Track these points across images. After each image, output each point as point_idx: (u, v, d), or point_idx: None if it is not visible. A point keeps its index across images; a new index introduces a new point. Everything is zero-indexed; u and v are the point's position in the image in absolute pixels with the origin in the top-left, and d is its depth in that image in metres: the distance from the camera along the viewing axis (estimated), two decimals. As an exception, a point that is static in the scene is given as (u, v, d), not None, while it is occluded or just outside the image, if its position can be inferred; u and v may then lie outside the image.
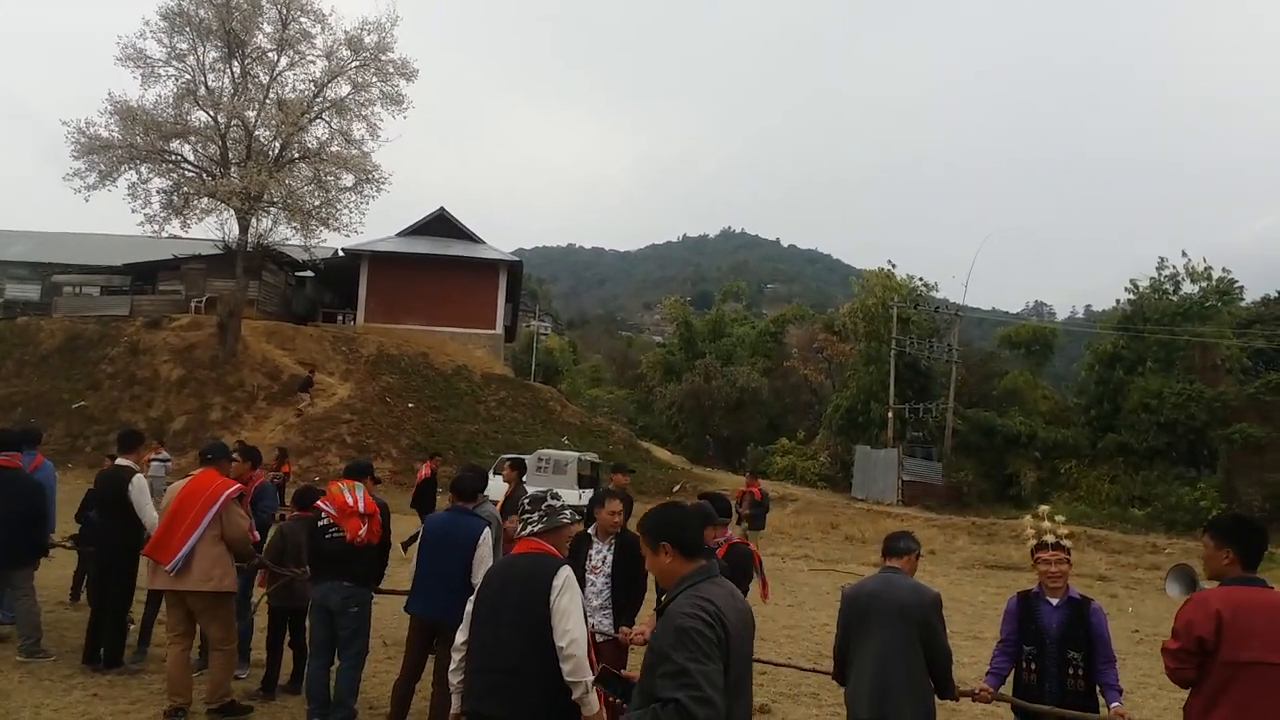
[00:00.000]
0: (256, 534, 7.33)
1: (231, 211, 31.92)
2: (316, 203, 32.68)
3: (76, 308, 37.55)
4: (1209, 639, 3.68)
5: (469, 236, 42.42)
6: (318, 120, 33.46)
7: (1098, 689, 4.69)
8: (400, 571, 7.26)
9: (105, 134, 31.00)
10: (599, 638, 5.40)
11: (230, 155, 32.15)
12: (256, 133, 32.46)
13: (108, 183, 31.32)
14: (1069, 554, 4.94)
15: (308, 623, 6.69)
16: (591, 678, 3.60)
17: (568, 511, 4.09)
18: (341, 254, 40.52)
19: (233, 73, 32.62)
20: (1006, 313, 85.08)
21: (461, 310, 39.98)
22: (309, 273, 42.45)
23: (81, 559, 9.44)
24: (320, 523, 6.40)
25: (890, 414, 35.52)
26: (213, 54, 32.39)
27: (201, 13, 31.52)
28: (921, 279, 41.60)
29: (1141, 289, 36.73)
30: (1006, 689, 5.00)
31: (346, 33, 33.10)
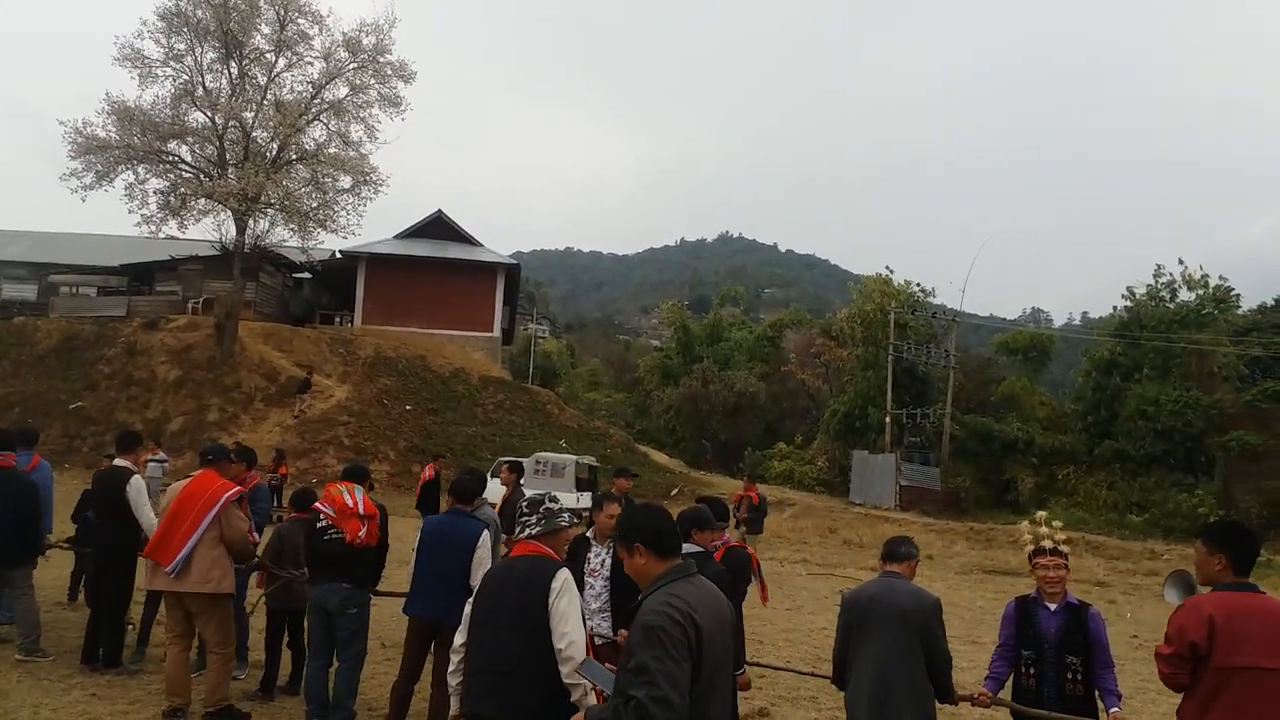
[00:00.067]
0: (256, 535, 7.33)
1: (229, 212, 31.89)
2: (314, 204, 32.65)
3: (73, 308, 37.51)
4: (1202, 644, 3.70)
5: (467, 239, 42.44)
6: (315, 122, 33.43)
7: (1096, 694, 4.70)
8: (399, 573, 7.26)
9: (102, 134, 30.96)
10: (598, 640, 5.40)
11: (228, 156, 32.13)
12: (254, 134, 32.45)
13: (105, 183, 31.29)
14: (1067, 559, 4.95)
15: (306, 624, 6.69)
16: (590, 682, 3.61)
17: (566, 514, 4.09)
18: (339, 256, 40.50)
19: (230, 74, 32.61)
20: (1004, 319, 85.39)
21: (459, 313, 39.98)
22: (306, 274, 42.44)
23: (79, 559, 9.44)
24: (319, 524, 6.40)
25: (888, 419, 35.56)
26: (210, 55, 32.38)
27: (199, 13, 31.50)
28: (919, 284, 41.70)
29: (1138, 296, 36.82)
30: (1005, 694, 5.00)
31: (344, 34, 33.08)
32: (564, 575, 3.80)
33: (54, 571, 9.95)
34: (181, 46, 31.94)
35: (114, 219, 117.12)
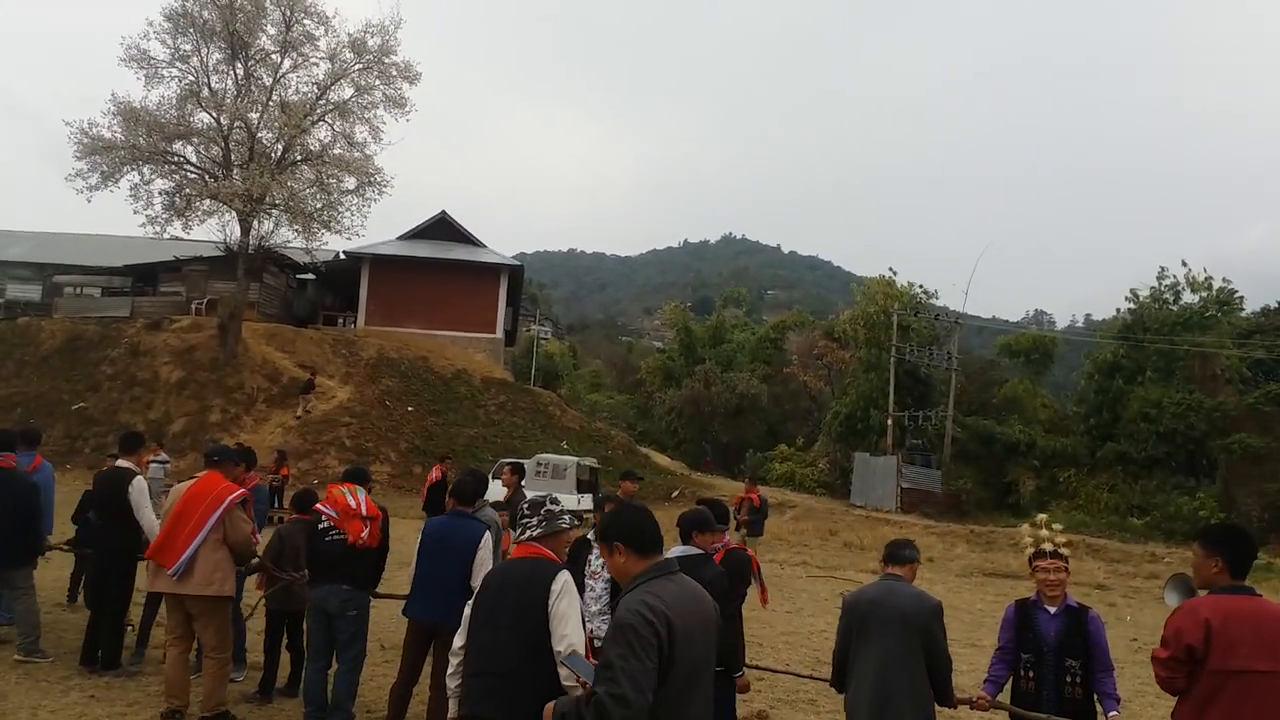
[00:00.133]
0: (258, 537, 7.34)
1: (233, 213, 31.93)
2: (318, 205, 32.69)
3: (77, 308, 37.56)
4: (1198, 647, 3.70)
5: (470, 240, 42.45)
6: (320, 123, 33.49)
7: (1095, 697, 4.70)
8: (400, 575, 7.26)
9: (108, 135, 31.03)
10: (597, 643, 5.39)
11: (233, 157, 32.18)
12: (259, 135, 32.50)
13: (110, 183, 31.35)
14: (1067, 562, 4.95)
15: (305, 625, 6.69)
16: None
17: (566, 516, 4.09)
18: (343, 257, 40.53)
19: (236, 74, 32.68)
20: (1006, 321, 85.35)
21: (462, 314, 40.00)
22: (310, 275, 42.47)
23: (78, 560, 9.45)
24: (321, 525, 6.40)
25: (890, 421, 35.53)
26: (216, 55, 32.46)
27: (205, 14, 31.57)
28: (921, 286, 41.65)
29: (1141, 298, 36.75)
30: (1005, 697, 5.00)
31: (350, 35, 33.16)
32: (564, 577, 3.80)
33: (54, 573, 9.96)
34: (187, 47, 32.06)
35: (118, 220, 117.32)
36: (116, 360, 33.18)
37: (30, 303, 39.80)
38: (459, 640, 3.97)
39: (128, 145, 31.11)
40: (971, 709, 5.11)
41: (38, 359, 33.73)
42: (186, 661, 6.41)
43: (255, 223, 32.33)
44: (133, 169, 31.58)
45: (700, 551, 5.42)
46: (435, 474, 19.44)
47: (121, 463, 7.59)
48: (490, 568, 5.46)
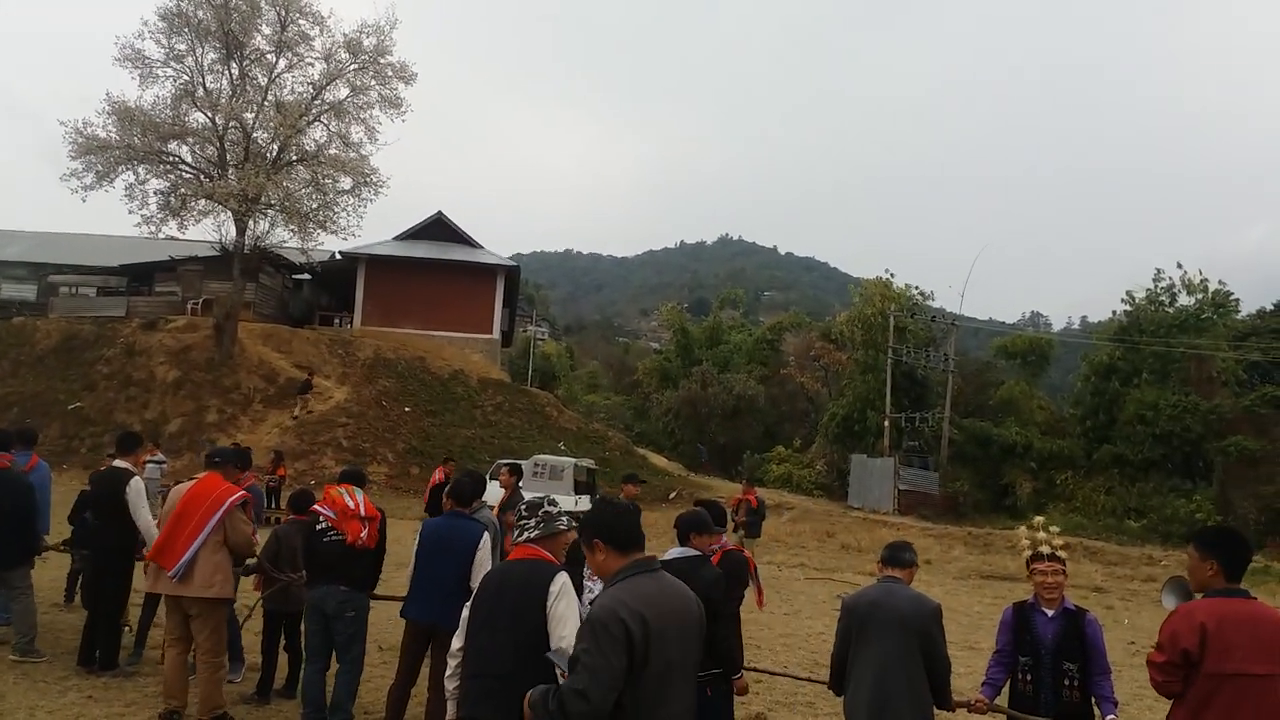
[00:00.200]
0: (257, 538, 7.33)
1: (229, 213, 31.92)
2: (314, 205, 32.68)
3: (73, 308, 37.52)
4: (1194, 651, 3.71)
5: (467, 241, 42.44)
6: (316, 123, 33.49)
7: (1093, 700, 4.70)
8: (398, 576, 7.25)
9: (103, 134, 31.02)
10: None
11: (228, 157, 32.16)
12: (254, 135, 32.49)
13: (105, 183, 31.34)
14: (1064, 565, 4.95)
15: (303, 626, 6.68)
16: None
17: (564, 518, 4.09)
18: (339, 257, 40.52)
19: (231, 74, 32.67)
20: (1003, 323, 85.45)
21: (459, 314, 40.00)
22: (306, 275, 42.46)
23: (75, 560, 9.43)
24: (319, 526, 6.40)
25: (887, 423, 35.54)
26: (211, 55, 32.46)
27: (200, 14, 31.56)
28: (918, 288, 41.71)
29: (1138, 300, 36.82)
30: (1002, 700, 5.00)
31: (345, 35, 33.18)
32: (562, 579, 3.80)
33: (50, 573, 9.95)
34: (182, 47, 32.06)
35: (114, 219, 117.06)
36: (112, 360, 33.14)
37: (26, 302, 39.75)
38: (457, 642, 3.97)
39: (123, 145, 31.10)
40: (969, 712, 5.11)
41: (33, 359, 33.67)
42: (185, 662, 6.39)
43: (251, 223, 32.34)
44: (128, 169, 31.59)
45: (698, 553, 5.42)
46: (438, 476, 19.38)
47: (119, 463, 7.57)
48: (489, 568, 5.46)
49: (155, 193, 31.99)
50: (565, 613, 3.70)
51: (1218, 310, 35.52)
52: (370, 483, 7.80)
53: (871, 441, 36.56)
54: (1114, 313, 39.59)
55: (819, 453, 39.66)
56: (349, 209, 33.14)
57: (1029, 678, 4.79)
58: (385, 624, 8.00)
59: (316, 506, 6.62)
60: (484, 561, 5.69)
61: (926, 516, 30.53)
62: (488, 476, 15.07)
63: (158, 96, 32.07)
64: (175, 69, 32.13)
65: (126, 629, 7.85)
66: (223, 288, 34.55)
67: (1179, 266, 36.68)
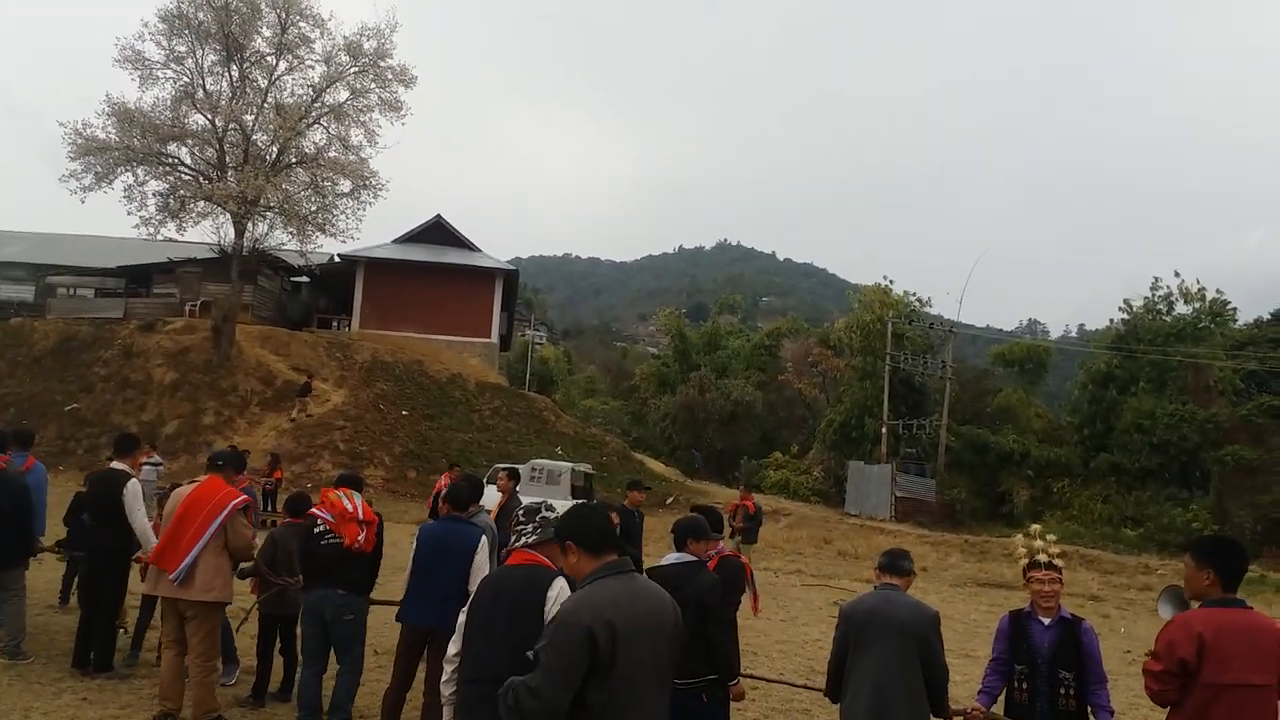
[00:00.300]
0: (256, 542, 7.33)
1: (228, 215, 31.91)
2: (313, 208, 32.68)
3: (70, 309, 37.47)
4: (1191, 661, 3.71)
5: (465, 244, 42.47)
6: (315, 125, 33.50)
7: (1089, 709, 4.70)
8: (395, 579, 7.24)
9: (102, 136, 31.02)
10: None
11: (227, 159, 32.18)
12: (254, 137, 32.49)
13: (104, 184, 31.32)
14: (1061, 573, 4.95)
15: (298, 630, 6.67)
16: None
17: (562, 523, 4.09)
18: (337, 260, 40.52)
19: (231, 76, 32.69)
20: (1000, 330, 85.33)
21: (457, 318, 40.01)
22: (304, 278, 42.47)
23: (71, 562, 9.41)
24: (316, 529, 6.39)
25: (884, 429, 35.57)
26: (211, 57, 32.47)
27: (200, 16, 31.59)
28: (915, 295, 41.78)
29: (1135, 309, 36.94)
30: (998, 708, 4.99)
31: (345, 38, 33.21)
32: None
33: (46, 574, 9.93)
34: (182, 49, 32.09)
35: (112, 221, 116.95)
36: (110, 361, 33.11)
37: (24, 303, 39.69)
38: (453, 647, 3.96)
39: (122, 146, 31.10)
40: (965, 720, 5.11)
41: (31, 360, 33.64)
42: (181, 665, 6.37)
43: (250, 225, 32.33)
44: (127, 170, 31.58)
45: (694, 558, 5.42)
46: (444, 481, 19.37)
47: (116, 465, 7.56)
48: (487, 572, 5.45)
49: (154, 194, 32.03)
50: (563, 617, 3.70)
51: (1215, 319, 35.64)
52: (367, 486, 7.79)
53: (869, 448, 36.58)
54: (1111, 321, 39.78)
55: (816, 459, 39.68)
56: (348, 212, 33.20)
57: (1025, 686, 4.78)
58: (381, 628, 7.99)
59: (314, 510, 6.62)
60: (482, 565, 5.69)
61: (923, 523, 30.54)
62: (485, 481, 15.07)
63: (157, 98, 32.14)
64: (175, 71, 32.20)
65: (121, 631, 7.84)
66: (221, 290, 34.55)
67: (1176, 275, 36.91)
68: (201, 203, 31.66)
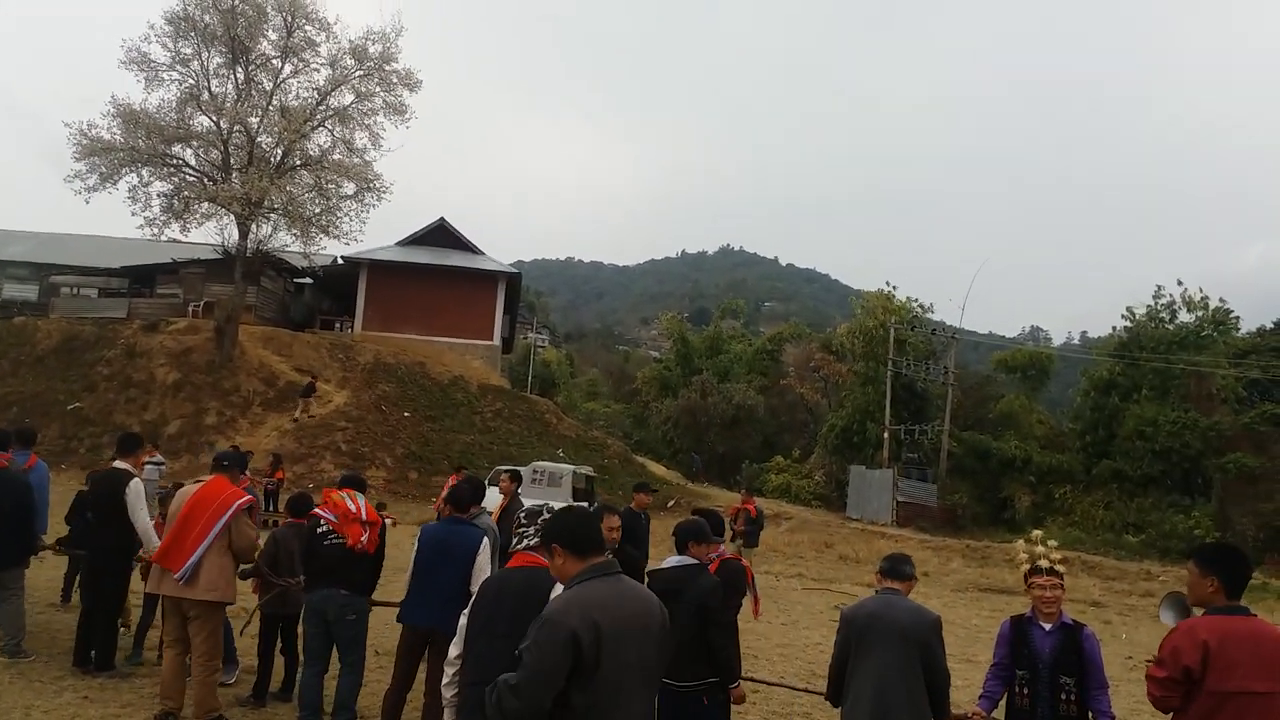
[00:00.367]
0: (260, 543, 7.33)
1: (232, 217, 31.96)
2: (317, 210, 32.72)
3: (74, 309, 37.51)
4: (1195, 668, 3.71)
5: (468, 247, 42.50)
6: (320, 128, 33.55)
7: (1090, 715, 4.69)
8: (395, 581, 7.25)
9: (107, 136, 31.06)
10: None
11: (232, 161, 32.23)
12: (259, 139, 32.55)
13: (108, 185, 31.36)
14: (1062, 579, 4.96)
15: (300, 630, 6.67)
16: None
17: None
18: (341, 261, 40.56)
19: (236, 79, 32.75)
20: (1003, 337, 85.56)
21: (459, 321, 40.03)
22: (307, 279, 42.52)
23: (72, 561, 9.42)
24: (320, 529, 6.40)
25: (886, 434, 35.56)
26: (217, 59, 32.54)
27: (207, 18, 31.66)
28: (918, 300, 41.75)
29: (1138, 317, 36.91)
30: (1000, 713, 4.99)
31: (351, 42, 33.30)
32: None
33: (48, 572, 9.95)
34: (188, 51, 32.14)
35: (116, 221, 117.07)
36: (112, 361, 33.14)
37: (27, 302, 39.74)
38: (455, 650, 3.97)
39: (127, 147, 31.14)
40: (966, 725, 5.10)
41: (34, 359, 33.68)
42: (183, 664, 6.38)
43: (253, 226, 32.37)
44: (131, 171, 31.62)
45: (695, 562, 5.43)
46: (451, 483, 19.41)
47: (119, 464, 7.56)
48: (489, 574, 5.46)
49: (158, 195, 32.07)
50: (563, 620, 3.70)
51: (1218, 327, 35.61)
52: (369, 487, 7.79)
53: (870, 453, 36.57)
54: (1114, 328, 39.77)
55: (818, 463, 39.67)
56: (352, 214, 33.24)
57: (1026, 691, 4.78)
58: (382, 629, 8.00)
59: (317, 510, 6.62)
60: (483, 567, 5.70)
61: (925, 528, 30.51)
62: (487, 483, 15.08)
63: (163, 100, 32.19)
64: (181, 73, 32.25)
65: (123, 629, 7.85)
66: (224, 290, 34.58)
67: (1179, 284, 36.85)
68: (206, 204, 31.72)
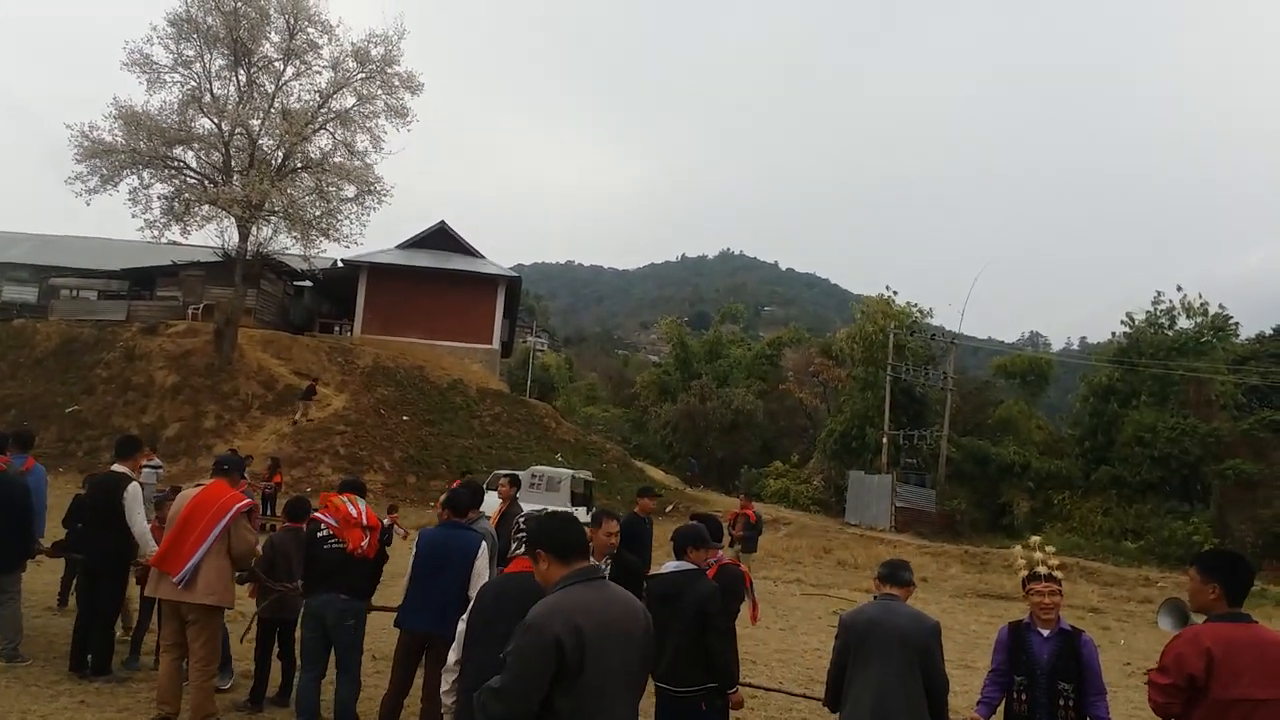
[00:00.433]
0: (259, 548, 7.32)
1: (232, 219, 31.93)
2: (318, 213, 32.70)
3: (73, 311, 37.49)
4: (1199, 676, 3.70)
5: (469, 251, 42.53)
6: (321, 131, 33.54)
7: (1088, 721, 4.69)
8: (393, 586, 7.24)
9: (109, 138, 31.04)
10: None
11: (233, 163, 32.22)
12: (260, 141, 32.55)
13: (109, 187, 31.32)
14: (1061, 585, 4.95)
15: (297, 634, 6.65)
16: None
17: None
18: (341, 265, 40.54)
19: (238, 81, 32.76)
20: (1002, 342, 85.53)
21: (459, 324, 40.02)
22: (307, 282, 42.51)
23: (69, 564, 9.40)
24: (319, 533, 6.39)
25: (885, 440, 35.56)
26: (219, 62, 32.53)
27: (209, 20, 31.67)
28: (918, 306, 41.78)
29: (1137, 323, 36.93)
30: (998, 719, 4.99)
31: (353, 44, 33.28)
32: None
33: (45, 576, 9.93)
34: (190, 53, 32.12)
35: (116, 223, 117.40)
36: (111, 364, 33.11)
37: (26, 304, 39.70)
38: (453, 655, 3.97)
39: (128, 149, 31.11)
40: (964, 731, 5.10)
41: (32, 361, 33.65)
42: (180, 669, 6.36)
43: (254, 229, 32.35)
44: (132, 173, 31.58)
45: (694, 566, 5.42)
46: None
47: (117, 467, 7.55)
48: (487, 579, 5.45)
49: (159, 197, 31.99)
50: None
51: (1217, 334, 35.61)
52: (368, 492, 7.77)
53: (869, 458, 36.56)
54: (1113, 334, 39.79)
55: (816, 468, 39.65)
56: (352, 217, 33.20)
57: (1024, 698, 4.78)
58: (379, 634, 7.99)
59: (317, 514, 6.61)
60: (482, 571, 5.69)
61: (923, 534, 30.51)
62: (485, 487, 15.07)
63: (164, 102, 32.16)
64: (183, 75, 32.21)
65: (121, 631, 7.83)
66: (224, 293, 34.56)
67: (1179, 290, 36.95)
68: (206, 206, 31.67)
